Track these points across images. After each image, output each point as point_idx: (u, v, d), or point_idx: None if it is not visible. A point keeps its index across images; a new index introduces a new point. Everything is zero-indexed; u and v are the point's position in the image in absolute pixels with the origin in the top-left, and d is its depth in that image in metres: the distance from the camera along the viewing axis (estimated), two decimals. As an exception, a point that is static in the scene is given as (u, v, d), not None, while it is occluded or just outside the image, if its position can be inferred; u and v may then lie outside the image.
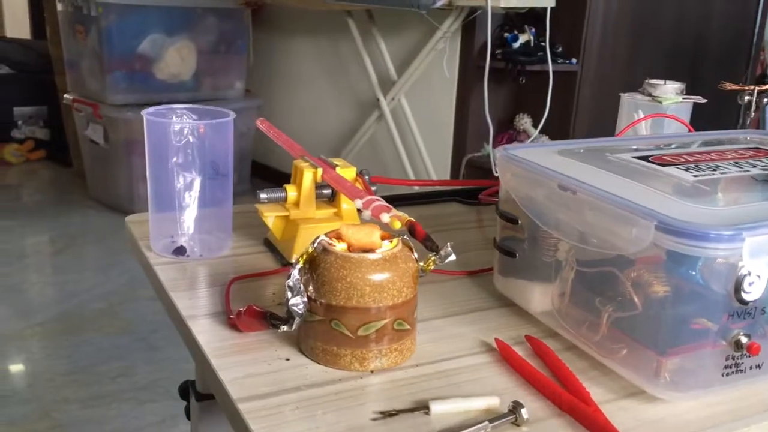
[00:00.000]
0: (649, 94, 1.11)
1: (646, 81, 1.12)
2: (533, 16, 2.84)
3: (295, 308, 0.61)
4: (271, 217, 0.81)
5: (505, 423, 0.54)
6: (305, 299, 0.61)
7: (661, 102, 1.08)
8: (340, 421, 0.54)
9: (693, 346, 0.58)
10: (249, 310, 0.64)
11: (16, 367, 2.29)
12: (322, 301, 0.61)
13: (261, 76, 3.85)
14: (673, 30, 3.13)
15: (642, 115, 1.11)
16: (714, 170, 0.65)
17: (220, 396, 0.59)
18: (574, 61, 2.85)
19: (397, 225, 0.66)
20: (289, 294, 0.61)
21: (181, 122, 0.81)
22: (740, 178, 0.64)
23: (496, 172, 2.46)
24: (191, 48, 3.50)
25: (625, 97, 1.14)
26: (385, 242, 0.63)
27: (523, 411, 0.54)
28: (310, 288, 0.61)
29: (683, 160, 0.68)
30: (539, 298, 0.69)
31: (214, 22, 3.54)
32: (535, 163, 0.66)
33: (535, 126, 2.89)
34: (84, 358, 2.30)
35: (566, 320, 0.66)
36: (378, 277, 0.60)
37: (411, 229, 0.66)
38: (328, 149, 3.41)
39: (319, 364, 0.62)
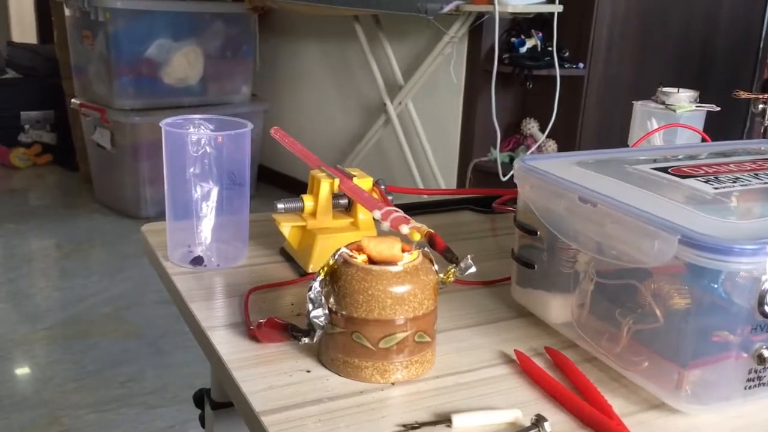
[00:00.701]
0: (663, 102, 1.11)
1: (659, 89, 1.12)
2: (540, 21, 2.84)
3: (316, 320, 0.61)
4: (287, 227, 0.81)
5: (528, 436, 0.54)
6: (326, 311, 0.61)
7: (674, 110, 1.08)
8: (363, 434, 0.54)
9: (715, 358, 0.58)
10: (270, 322, 0.64)
11: (24, 372, 2.30)
12: (344, 313, 0.61)
13: (267, 80, 3.85)
14: (681, 35, 3.13)
15: (655, 123, 1.11)
16: (734, 182, 0.65)
17: (242, 408, 0.59)
18: (581, 65, 2.85)
19: (417, 237, 0.66)
20: (310, 306, 0.61)
21: (198, 133, 0.81)
22: (760, 190, 0.64)
23: (503, 176, 2.46)
24: (198, 53, 3.51)
25: (638, 105, 1.14)
26: (406, 254, 0.63)
27: (546, 425, 0.54)
28: (331, 300, 0.61)
29: (703, 171, 0.68)
30: (558, 309, 0.69)
31: (221, 27, 3.55)
32: (554, 174, 0.66)
33: (542, 130, 2.89)
34: (92, 363, 2.31)
35: (586, 331, 0.66)
36: (399, 289, 0.60)
37: (430, 241, 0.66)
38: (335, 154, 3.42)
39: (340, 375, 0.62)
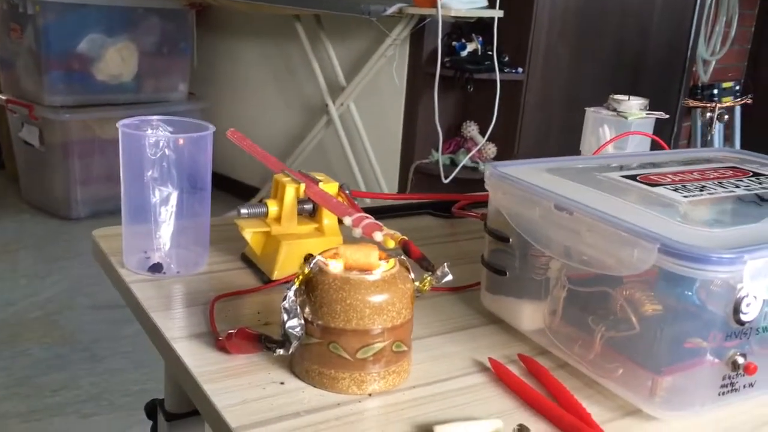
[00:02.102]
0: (614, 109, 1.13)
1: (611, 96, 1.14)
2: (481, 26, 2.87)
3: (292, 331, 0.59)
4: (250, 232, 0.79)
5: (511, 447, 0.54)
6: (302, 321, 0.59)
7: (626, 117, 1.10)
8: (344, 448, 0.53)
9: (688, 365, 0.59)
10: (241, 333, 0.62)
11: (-51, 381, 2.19)
12: (320, 323, 0.59)
13: (206, 79, 3.78)
14: (615, 44, 3.21)
15: (607, 130, 1.13)
16: (701, 191, 0.66)
17: (215, 424, 0.57)
18: (520, 70, 2.90)
19: (391, 244, 0.65)
20: (285, 316, 0.59)
21: (156, 135, 0.78)
22: (727, 198, 0.65)
23: (445, 178, 2.47)
24: (132, 48, 3.42)
25: (590, 112, 1.16)
26: (382, 262, 0.62)
27: (529, 434, 0.54)
28: (307, 309, 0.60)
29: (669, 180, 0.69)
30: (530, 316, 0.69)
31: (156, 23, 3.46)
32: (528, 182, 0.66)
33: (482, 133, 2.92)
34: (22, 370, 2.21)
35: (558, 338, 0.66)
36: (377, 298, 0.59)
37: (405, 248, 0.65)
38: (276, 154, 3.36)
39: (315, 387, 0.60)
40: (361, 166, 3.06)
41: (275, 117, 3.46)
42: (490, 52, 2.78)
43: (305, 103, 3.32)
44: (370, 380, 0.60)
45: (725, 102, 3.16)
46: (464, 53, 2.86)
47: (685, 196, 0.64)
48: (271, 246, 0.79)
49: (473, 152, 2.89)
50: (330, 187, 0.79)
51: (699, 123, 3.19)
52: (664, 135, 3.39)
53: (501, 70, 2.76)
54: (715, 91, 3.33)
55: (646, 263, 0.55)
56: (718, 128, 2.86)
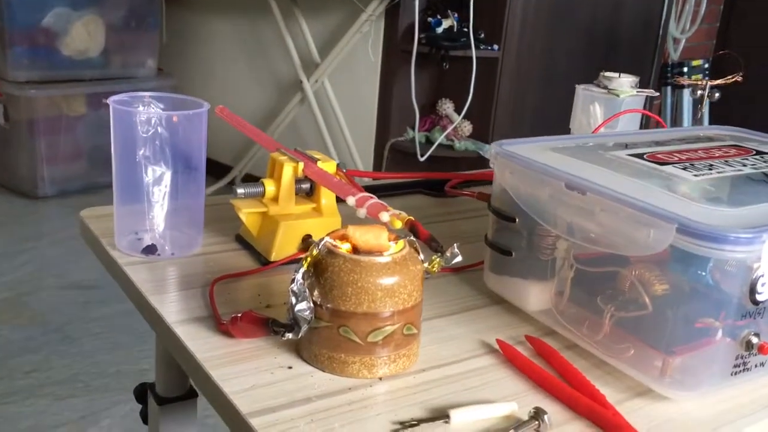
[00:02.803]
0: (605, 87, 1.12)
1: (602, 74, 1.14)
2: (456, 2, 2.85)
3: (302, 315, 0.57)
4: (247, 212, 0.76)
5: (528, 430, 0.53)
6: (311, 305, 0.58)
7: (618, 95, 1.10)
8: (360, 434, 0.52)
9: (699, 344, 0.58)
10: (247, 316, 0.61)
11: None
12: (329, 306, 0.58)
13: (175, 54, 3.70)
14: (588, 21, 3.21)
15: (598, 108, 1.13)
16: (710, 169, 0.66)
17: (225, 410, 0.55)
18: (495, 47, 2.88)
19: (398, 224, 0.64)
20: (294, 299, 0.58)
21: (148, 112, 0.75)
22: (736, 177, 0.65)
23: (421, 156, 2.45)
24: (99, 23, 3.33)
25: (581, 90, 1.15)
26: (391, 243, 0.60)
27: (546, 417, 0.54)
28: (316, 292, 0.58)
29: (677, 158, 0.69)
30: (536, 296, 0.69)
31: (123, -4, 3.38)
32: (537, 161, 0.65)
33: (457, 111, 2.91)
34: (-7, 353, 2.17)
35: (566, 319, 0.66)
36: (389, 280, 0.57)
37: (413, 229, 0.64)
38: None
39: (324, 371, 0.59)
40: (336, 143, 3.03)
41: (247, 94, 3.41)
42: (465, 29, 2.76)
43: (278, 80, 3.27)
44: (380, 364, 0.59)
45: (694, 79, 3.19)
46: (440, 30, 2.84)
47: (695, 175, 0.64)
48: (268, 226, 0.77)
49: (449, 130, 2.87)
50: (328, 166, 0.78)
51: (686, 101, 3.22)
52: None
53: (477, 47, 2.75)
54: (685, 69, 3.36)
55: (662, 243, 0.54)
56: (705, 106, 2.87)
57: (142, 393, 0.92)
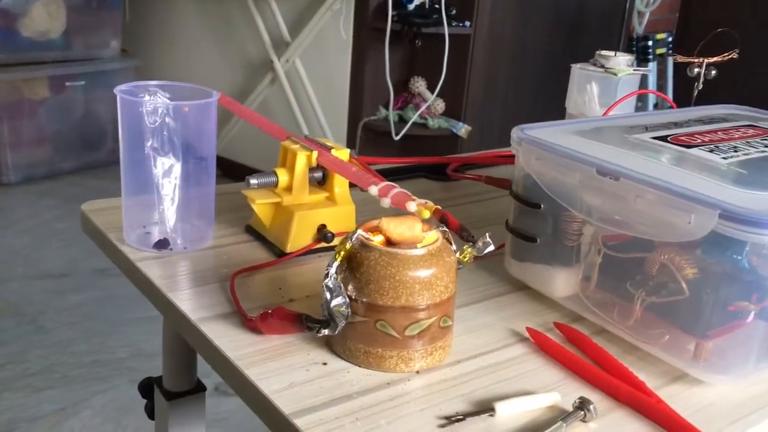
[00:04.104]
0: (602, 66, 1.12)
1: (597, 52, 1.13)
2: (428, -22, 2.82)
3: (339, 310, 0.56)
4: (261, 204, 0.74)
5: (574, 420, 0.53)
6: (347, 300, 0.57)
7: (615, 74, 1.10)
8: (408, 431, 0.51)
9: (733, 327, 0.59)
10: (279, 312, 0.59)
11: None
12: (365, 300, 0.56)
13: (139, 34, 3.61)
14: (557, -4, 3.22)
15: (595, 87, 1.12)
16: (735, 152, 0.66)
17: (264, 410, 0.54)
18: (467, 24, 2.86)
19: (426, 214, 0.62)
20: (329, 295, 0.57)
21: (155, 101, 0.73)
22: (763, 158, 0.65)
23: (396, 135, 2.42)
24: (60, 3, 3.22)
25: (576, 69, 1.14)
26: (425, 235, 0.59)
27: (592, 407, 0.53)
28: (350, 287, 0.57)
29: (699, 140, 0.68)
30: (562, 282, 0.68)
31: (84, -25, 3.28)
32: (567, 147, 0.64)
33: (430, 89, 2.89)
34: (-35, 346, 2.11)
35: (594, 304, 0.65)
36: (426, 273, 0.56)
37: (442, 219, 0.62)
38: (218, 114, 3.26)
39: (360, 366, 0.58)
40: (309, 124, 2.99)
41: (216, 75, 3.34)
42: (437, 6, 2.74)
43: (248, 60, 3.21)
44: (417, 357, 0.58)
45: (659, 52, 3.23)
46: (411, 6, 2.81)
47: (723, 158, 0.63)
48: (281, 217, 0.75)
49: (423, 108, 2.86)
50: (342, 154, 0.76)
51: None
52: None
53: (449, 24, 2.73)
54: (650, 43, 3.38)
55: (704, 229, 0.54)
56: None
57: (146, 388, 0.90)
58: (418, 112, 2.84)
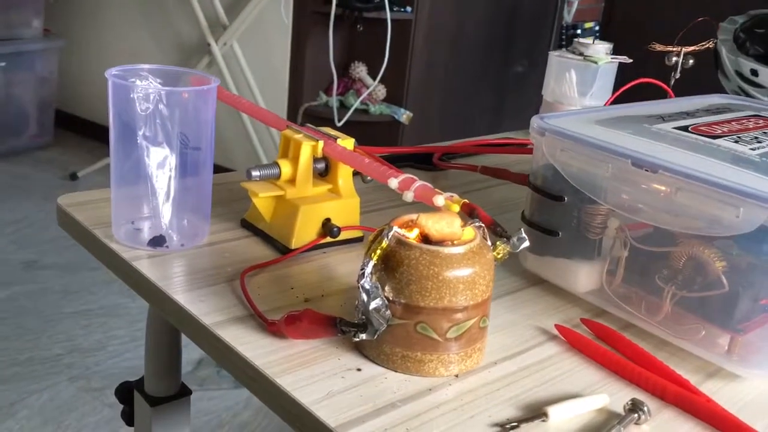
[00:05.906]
0: (581, 54, 1.11)
1: (576, 40, 1.12)
2: (369, -38, 2.77)
3: (379, 314, 0.52)
4: (264, 197, 0.70)
5: (630, 424, 0.51)
6: (385, 302, 0.53)
7: (595, 62, 1.09)
8: (464, 441, 0.48)
9: (766, 320, 0.58)
10: (309, 315, 0.55)
11: None
12: (403, 302, 0.53)
13: (63, 13, 3.42)
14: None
15: (574, 75, 1.11)
16: (759, 142, 0.65)
17: (304, 424, 0.50)
18: (408, 9, 2.84)
19: (455, 209, 0.59)
20: (365, 297, 0.53)
21: (148, 87, 0.67)
22: (786, 150, 0.65)
23: (339, 121, 2.37)
24: (-25, -22, 3.02)
25: (554, 57, 1.13)
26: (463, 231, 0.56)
27: (646, 409, 0.51)
28: (387, 288, 0.53)
29: (719, 131, 0.67)
30: (585, 277, 0.66)
31: (1, -50, 3.08)
32: (594, 138, 0.62)
33: (371, 74, 2.86)
34: None
35: (621, 299, 0.64)
36: (468, 272, 0.53)
37: (472, 213, 0.59)
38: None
39: (396, 372, 0.54)
40: (246, 109, 2.90)
41: (148, 57, 3.20)
42: (379, -10, 2.70)
43: (183, 43, 3.09)
44: (456, 360, 0.55)
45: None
46: (353, -10, 2.76)
47: (752, 149, 0.63)
48: (284, 211, 0.71)
49: (365, 94, 2.82)
50: (347, 143, 0.72)
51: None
52: (531, 79, 3.45)
53: (391, 9, 2.69)
54: (579, 32, 3.44)
55: (753, 224, 0.53)
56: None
57: (125, 392, 0.84)
58: (360, 98, 2.80)
